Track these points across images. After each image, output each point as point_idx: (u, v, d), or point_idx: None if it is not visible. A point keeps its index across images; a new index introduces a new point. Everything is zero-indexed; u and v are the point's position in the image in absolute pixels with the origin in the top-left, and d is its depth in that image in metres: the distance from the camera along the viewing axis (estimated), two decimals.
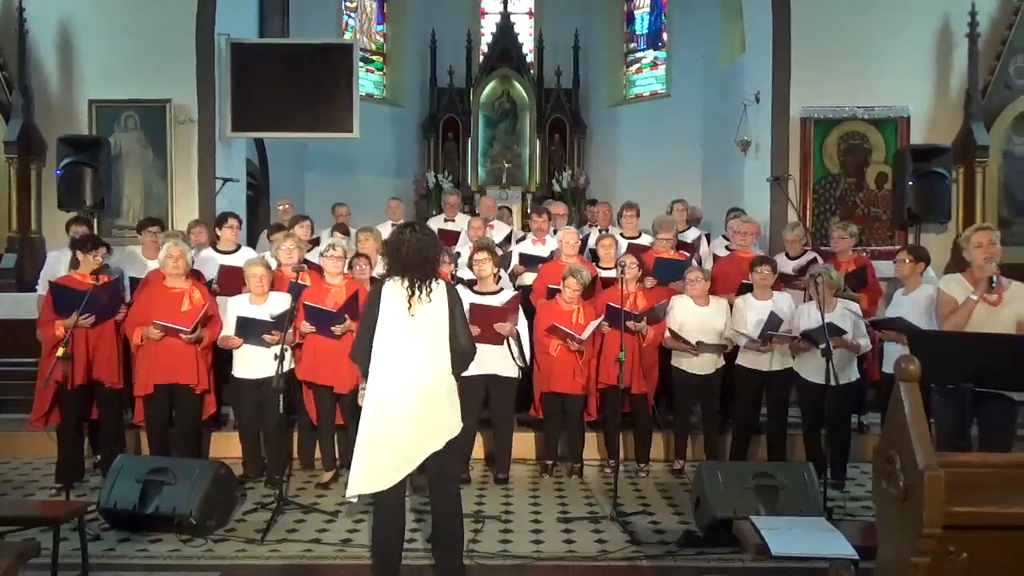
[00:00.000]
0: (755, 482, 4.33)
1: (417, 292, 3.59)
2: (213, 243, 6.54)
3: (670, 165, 12.02)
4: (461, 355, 3.67)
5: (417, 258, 3.61)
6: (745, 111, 8.56)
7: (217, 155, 7.93)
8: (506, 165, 12.84)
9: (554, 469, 5.78)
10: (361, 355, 3.64)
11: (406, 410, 3.53)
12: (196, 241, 6.51)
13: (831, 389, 4.73)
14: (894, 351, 5.23)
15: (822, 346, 4.76)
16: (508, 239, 7.57)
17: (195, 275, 5.72)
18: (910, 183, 7.22)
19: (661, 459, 6.03)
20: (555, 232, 7.04)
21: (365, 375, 3.62)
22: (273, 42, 9.04)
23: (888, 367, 5.36)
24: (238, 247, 6.48)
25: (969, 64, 7.63)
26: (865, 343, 5.33)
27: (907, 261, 5.40)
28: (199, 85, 7.82)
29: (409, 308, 3.58)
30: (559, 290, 5.64)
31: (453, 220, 7.93)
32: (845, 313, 5.30)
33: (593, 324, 5.41)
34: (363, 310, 3.71)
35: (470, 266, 5.69)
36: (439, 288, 3.66)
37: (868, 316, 5.54)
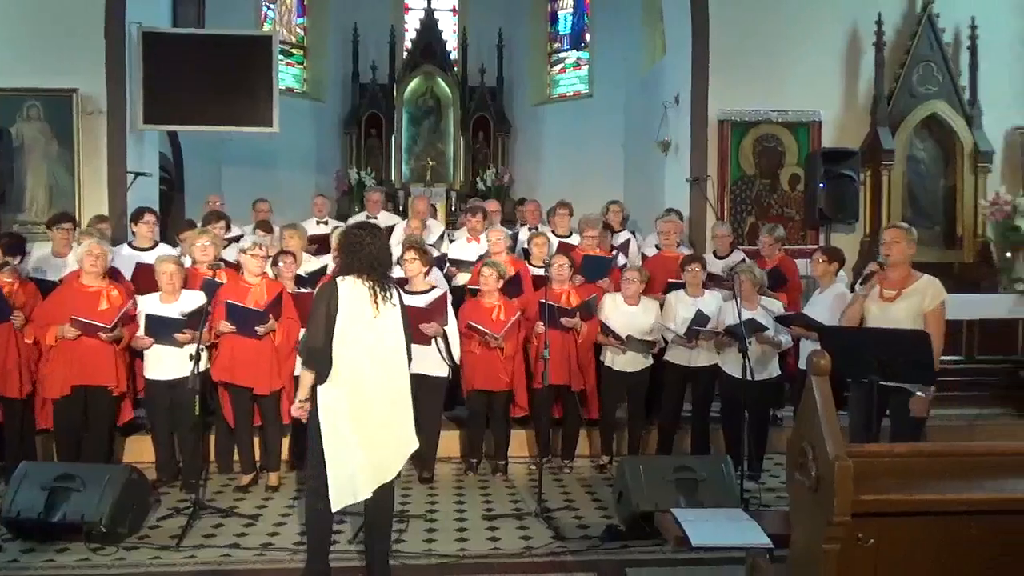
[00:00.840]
0: (675, 475, 4.44)
1: (381, 293, 3.60)
2: (122, 239, 6.30)
3: (593, 164, 12.18)
4: (410, 355, 3.75)
5: (381, 259, 3.64)
6: (665, 113, 8.75)
7: (128, 148, 7.63)
8: (430, 162, 12.78)
9: (479, 467, 5.80)
10: (321, 358, 3.54)
11: (383, 414, 3.55)
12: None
13: (749, 384, 4.89)
14: (809, 346, 5.46)
15: (741, 342, 4.91)
16: (442, 238, 7.54)
17: (112, 273, 5.50)
18: (821, 185, 7.50)
19: (587, 455, 6.12)
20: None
21: (324, 378, 3.55)
22: (188, 32, 8.75)
23: (804, 362, 5.57)
24: (155, 243, 6.26)
25: (876, 72, 7.98)
26: (786, 339, 5.53)
27: (821, 261, 5.64)
28: (108, 75, 7.51)
29: (368, 308, 3.57)
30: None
31: (375, 217, 7.85)
32: (766, 311, 5.49)
33: (511, 320, 5.43)
34: (314, 310, 3.62)
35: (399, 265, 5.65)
36: (393, 289, 3.70)
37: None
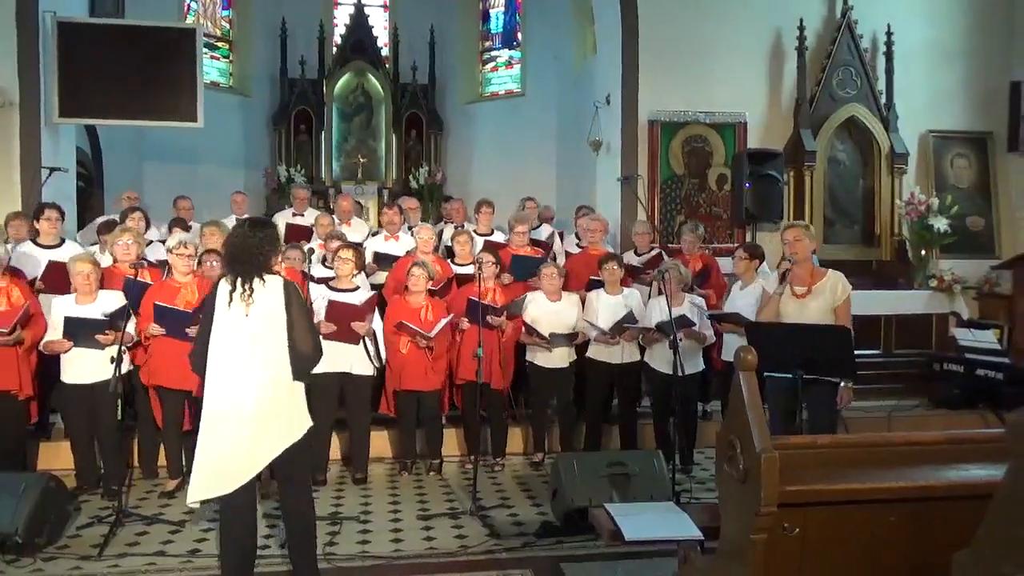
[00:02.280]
0: (608, 471, 4.50)
1: (241, 289, 3.43)
2: (35, 237, 6.04)
3: (526, 163, 12.23)
4: (301, 359, 3.49)
5: (241, 255, 3.47)
6: (597, 112, 8.85)
7: (43, 142, 7.32)
8: (361, 160, 12.63)
9: (413, 467, 5.77)
10: (199, 360, 3.48)
11: (243, 414, 3.38)
12: (15, 236, 5.98)
13: (678, 379, 4.99)
14: (733, 341, 5.60)
15: (671, 337, 5.01)
16: (367, 238, 7.46)
17: (13, 272, 5.26)
18: (747, 185, 7.69)
19: (520, 452, 6.15)
20: (409, 229, 7.00)
21: (203, 379, 3.47)
22: (106, 23, 8.43)
23: (728, 356, 5.72)
24: (62, 241, 6.01)
25: (798, 75, 8.24)
26: (710, 334, 5.67)
27: (743, 258, 5.82)
28: (20, 66, 7.19)
29: (233, 306, 3.43)
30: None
31: (302, 215, 7.72)
32: (692, 307, 5.61)
33: (443, 321, 5.43)
34: (203, 312, 3.55)
35: (324, 263, 5.57)
36: (271, 285, 3.49)
37: (712, 310, 5.89)
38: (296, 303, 3.52)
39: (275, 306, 3.47)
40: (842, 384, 4.43)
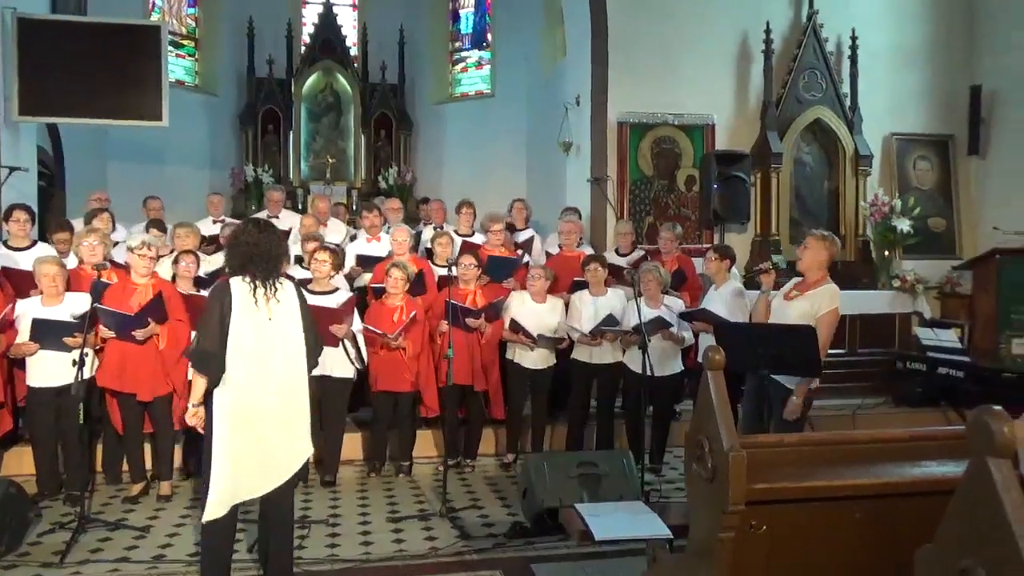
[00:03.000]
0: (579, 471, 4.51)
1: (265, 291, 3.47)
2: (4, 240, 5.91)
3: (496, 164, 12.23)
4: (312, 356, 3.62)
5: (261, 255, 3.48)
6: (567, 113, 8.87)
7: (2, 141, 7.16)
8: (330, 160, 12.53)
9: (382, 469, 5.74)
10: (213, 362, 3.40)
11: (277, 417, 3.44)
12: None
13: (652, 379, 5.02)
14: (708, 342, 5.64)
15: (641, 338, 5.04)
16: (344, 239, 7.41)
17: None
18: (715, 186, 7.75)
19: (492, 454, 6.15)
20: (388, 230, 6.97)
21: (216, 383, 3.41)
22: (68, 19, 8.28)
23: (702, 357, 5.75)
24: (33, 243, 5.89)
25: (764, 78, 8.32)
26: (688, 336, 5.71)
27: (714, 259, 5.86)
28: None
29: (258, 308, 3.45)
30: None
31: (277, 217, 7.65)
32: (670, 308, 5.64)
33: (406, 322, 5.41)
34: (208, 311, 3.48)
35: (301, 264, 5.54)
36: (287, 287, 3.57)
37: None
38: (305, 304, 3.64)
39: (293, 308, 3.56)
40: (793, 396, 4.41)
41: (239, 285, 3.48)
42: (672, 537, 3.19)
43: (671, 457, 5.98)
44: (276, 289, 3.51)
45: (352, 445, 5.97)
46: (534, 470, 4.51)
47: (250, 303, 3.45)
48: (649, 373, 5.02)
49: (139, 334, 4.83)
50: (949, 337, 6.85)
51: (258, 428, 3.42)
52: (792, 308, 4.57)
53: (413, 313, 5.48)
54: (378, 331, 5.33)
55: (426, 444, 6.08)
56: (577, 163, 8.75)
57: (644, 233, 8.10)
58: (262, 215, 7.86)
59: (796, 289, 4.65)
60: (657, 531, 3.23)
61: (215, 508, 3.38)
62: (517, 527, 4.54)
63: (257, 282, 3.48)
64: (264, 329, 3.46)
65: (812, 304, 4.52)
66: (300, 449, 3.55)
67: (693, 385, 6.10)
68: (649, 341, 5.15)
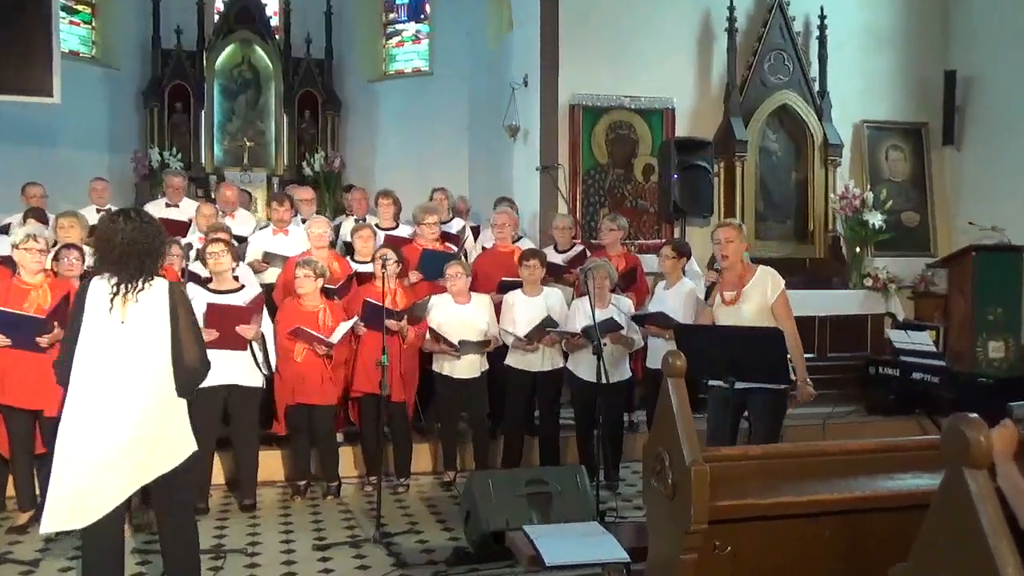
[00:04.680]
0: (527, 490, 4.53)
1: (123, 292, 3.30)
2: None
3: (434, 149, 12.16)
4: (187, 373, 3.40)
5: (132, 251, 3.33)
6: (513, 95, 8.89)
7: None
8: (247, 143, 12.31)
9: (307, 490, 5.67)
10: (63, 370, 3.32)
11: (114, 436, 3.25)
12: None
13: (603, 387, 5.06)
14: (659, 346, 5.72)
15: (594, 343, 5.07)
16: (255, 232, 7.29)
17: None
18: (675, 176, 7.85)
19: (429, 471, 6.12)
20: (303, 222, 6.88)
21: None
22: None
23: (653, 362, 5.83)
24: None
25: (728, 59, 8.46)
26: (638, 339, 5.78)
27: (669, 256, 5.93)
28: None
29: (113, 311, 3.30)
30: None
31: (178, 206, 7.49)
32: (618, 309, 5.69)
33: (345, 326, 5.37)
34: (70, 316, 3.40)
35: (201, 260, 5.43)
36: (156, 288, 3.39)
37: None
38: (183, 308, 3.43)
39: (158, 312, 3.36)
40: (793, 391, 4.59)
41: (98, 286, 3.35)
42: (630, 561, 3.23)
43: (627, 473, 6.05)
44: (141, 289, 3.33)
45: (273, 464, 5.89)
46: (478, 489, 4.51)
47: (103, 306, 3.31)
48: (605, 381, 5.06)
49: (44, 340, 4.66)
50: (923, 340, 7.04)
51: (94, 445, 3.24)
52: (744, 310, 4.65)
53: (354, 319, 5.44)
54: (317, 334, 5.26)
55: (351, 462, 6.04)
56: (525, 149, 8.78)
57: (598, 226, 8.17)
58: (160, 203, 7.69)
59: (728, 290, 4.73)
60: (614, 555, 3.26)
61: (47, 524, 3.26)
62: (459, 553, 4.54)
63: (121, 283, 3.33)
64: (113, 334, 3.29)
65: (760, 297, 4.64)
66: (142, 474, 3.33)
67: (647, 394, 6.18)
68: (605, 344, 5.19)
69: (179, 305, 3.43)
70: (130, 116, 12.41)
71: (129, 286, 3.33)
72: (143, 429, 3.30)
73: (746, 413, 4.68)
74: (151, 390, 3.33)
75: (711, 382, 4.71)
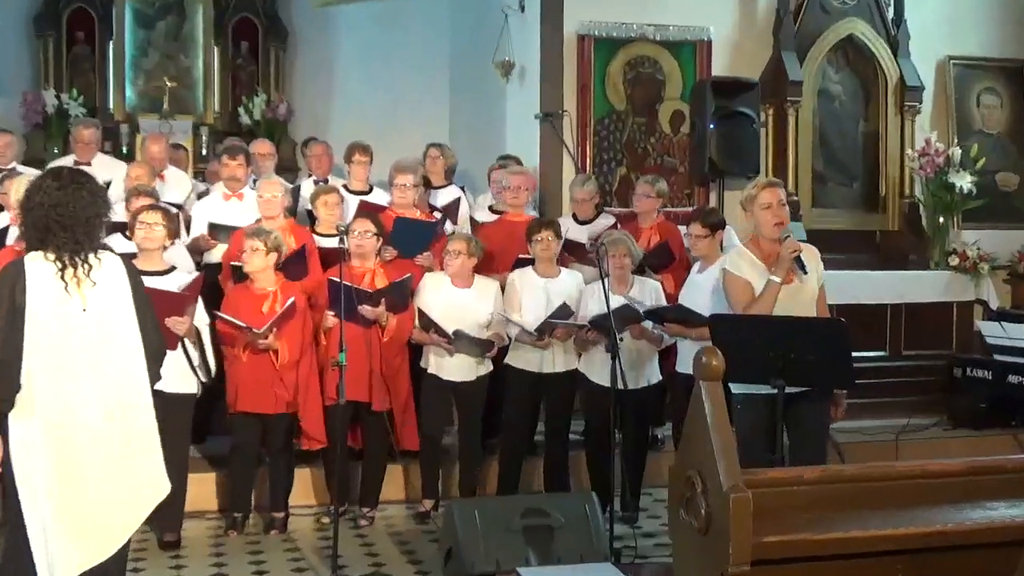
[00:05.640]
0: (524, 522, 4.54)
1: (75, 270, 3.38)
2: None
3: (407, 92, 12.11)
4: (153, 357, 3.57)
5: (70, 220, 3.39)
6: (507, 23, 8.83)
7: None
8: (168, 84, 12.23)
9: (246, 523, 5.70)
10: (5, 374, 3.32)
11: (111, 449, 3.38)
12: None
13: (622, 395, 5.06)
14: (688, 346, 5.70)
15: (609, 338, 5.07)
16: (190, 197, 7.26)
17: None
18: (711, 126, 7.80)
19: (402, 499, 6.15)
20: (255, 183, 6.86)
21: (10, 405, 3.32)
22: None
23: (684, 365, 5.79)
24: None
25: None
26: (668, 334, 5.76)
27: (702, 235, 5.83)
28: None
29: (69, 296, 3.36)
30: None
31: (89, 164, 7.45)
32: (644, 295, 5.68)
33: (280, 310, 5.37)
34: None
35: (129, 230, 5.40)
36: (109, 264, 3.48)
37: (673, 300, 5.96)
38: (141, 287, 3.57)
39: (121, 292, 3.48)
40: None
41: (38, 265, 3.39)
42: None
43: (650, 501, 6.06)
44: (91, 267, 3.42)
45: (204, 490, 5.90)
46: (461, 522, 4.52)
47: (55, 289, 3.37)
48: (621, 386, 5.06)
49: None
50: (1023, 334, 7.04)
51: (86, 467, 3.34)
52: (806, 292, 4.65)
53: (291, 300, 5.43)
54: (240, 323, 5.26)
55: (307, 487, 6.05)
56: (521, 93, 8.75)
57: (614, 191, 8.15)
58: (67, 161, 7.66)
59: (801, 268, 4.71)
60: None
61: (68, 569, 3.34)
62: None
63: (64, 259, 3.39)
64: (78, 324, 3.38)
65: (814, 278, 4.67)
66: (151, 490, 3.50)
67: (676, 402, 6.17)
68: (621, 340, 5.19)
69: (138, 283, 3.57)
70: (18, 50, 12.33)
71: (79, 262, 3.39)
72: (140, 439, 3.46)
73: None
74: (140, 388, 3.48)
75: (735, 387, 4.65)
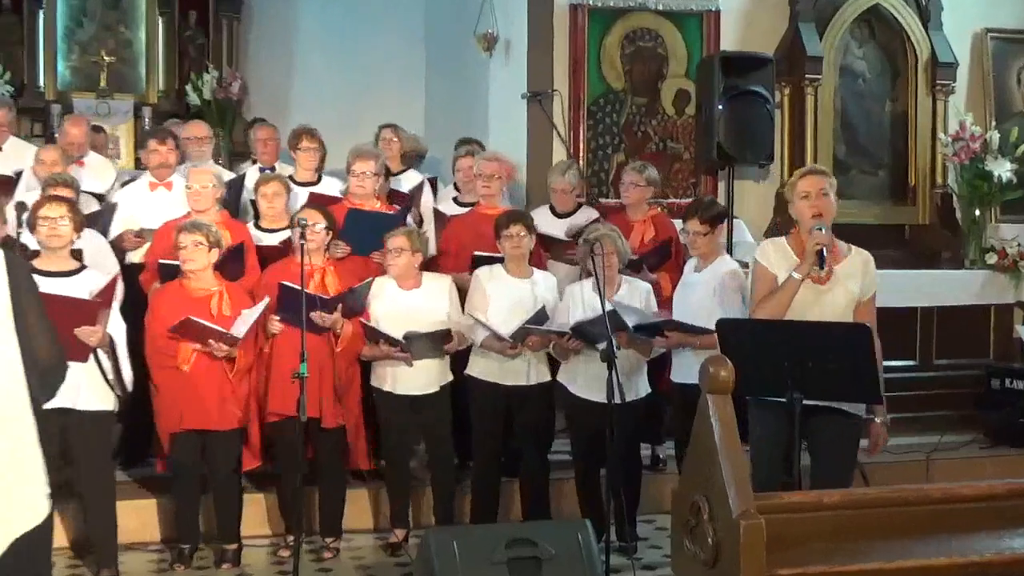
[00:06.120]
0: (509, 553, 4.52)
1: None
2: None
3: (377, 70, 12.09)
4: (45, 372, 3.45)
5: None
6: None
7: None
8: (106, 59, 12.19)
9: (194, 556, 5.67)
10: None
11: None
12: None
13: (616, 410, 5.05)
14: (689, 355, 5.68)
15: (602, 346, 5.06)
16: (115, 187, 7.22)
17: None
18: (719, 108, 7.79)
19: (370, 529, 6.14)
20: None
21: None
22: None
23: (682, 375, 5.77)
24: None
25: None
26: (667, 346, 5.76)
27: (701, 232, 5.78)
28: None
29: None
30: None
31: (0, 149, 7.41)
32: (633, 296, 5.67)
33: (251, 313, 5.36)
34: None
35: (30, 226, 5.36)
36: None
37: (668, 302, 5.95)
38: (26, 286, 3.46)
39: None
40: (875, 419, 4.58)
41: None
42: None
43: (651, 529, 6.06)
44: None
45: (143, 519, 5.90)
46: (438, 553, 4.50)
47: None
48: (619, 400, 5.05)
49: None
50: None
51: None
52: (831, 297, 4.64)
53: (266, 301, 5.42)
54: (214, 326, 5.25)
55: (260, 515, 6.04)
56: (505, 69, 8.74)
57: (610, 180, 8.14)
58: None
59: (818, 268, 4.65)
60: None
61: None
62: None
63: None
64: None
65: (856, 285, 4.65)
66: (14, 523, 3.33)
67: (676, 419, 6.16)
68: (618, 348, 5.18)
69: (22, 281, 3.44)
70: None
71: None
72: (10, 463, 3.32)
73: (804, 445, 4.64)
74: (11, 404, 3.34)
75: (752, 401, 4.65)
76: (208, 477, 5.65)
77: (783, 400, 4.30)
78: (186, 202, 6.27)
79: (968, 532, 2.72)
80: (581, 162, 8.02)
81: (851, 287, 4.71)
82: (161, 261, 5.90)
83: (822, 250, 4.58)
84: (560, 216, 6.85)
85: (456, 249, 6.31)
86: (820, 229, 4.62)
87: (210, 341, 5.31)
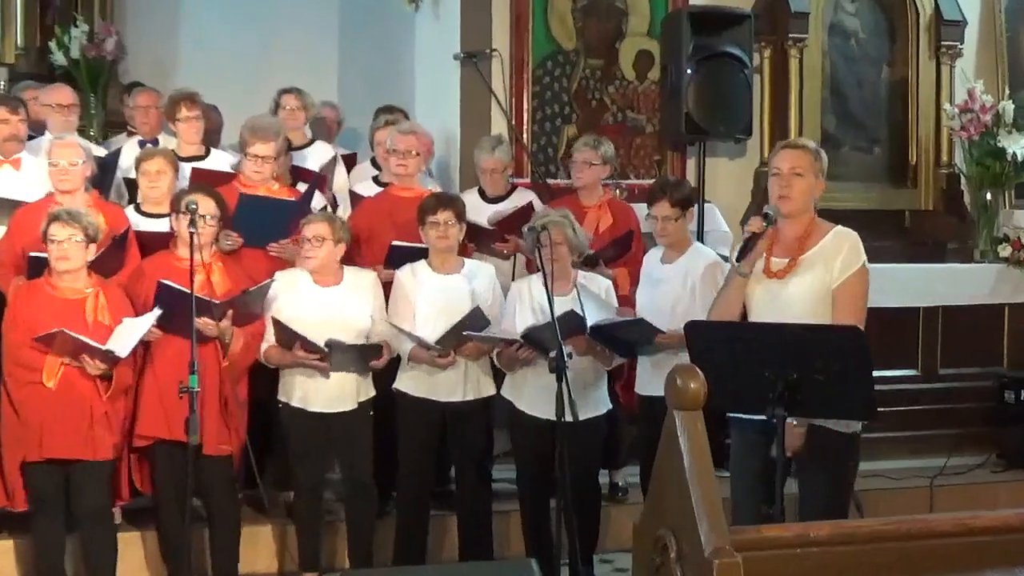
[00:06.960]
0: None
1: None
2: None
3: (283, 25, 12.05)
4: None
5: None
6: None
7: None
8: None
9: None
10: None
11: None
12: None
13: (568, 429, 5.08)
14: (660, 361, 5.71)
15: (552, 354, 5.08)
16: None
17: None
18: (688, 72, 7.84)
19: (274, 573, 6.12)
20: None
21: None
22: None
23: (650, 386, 5.80)
24: None
25: None
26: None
27: (671, 216, 5.83)
28: None
29: None
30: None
31: None
32: (589, 295, 5.69)
33: (137, 324, 5.32)
34: None
35: None
36: None
37: (626, 301, 5.99)
38: None
39: None
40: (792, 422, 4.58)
41: None
42: None
43: (607, 570, 6.10)
44: None
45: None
46: None
47: None
48: (571, 418, 5.07)
49: None
50: None
51: None
52: (792, 291, 4.62)
53: (156, 312, 5.37)
54: (92, 342, 5.19)
55: (137, 558, 6.02)
56: (435, 26, 8.74)
57: (559, 156, 8.15)
58: None
59: (779, 255, 4.66)
60: None
61: None
62: None
63: None
64: None
65: (826, 271, 4.59)
66: None
67: (640, 439, 6.20)
68: (570, 357, 5.20)
69: None
70: None
71: None
72: None
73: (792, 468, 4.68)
74: None
75: (733, 416, 4.69)
76: (74, 515, 5.59)
77: (763, 418, 4.34)
78: (36, 183, 6.19)
79: (978, 570, 2.77)
80: (524, 135, 8.04)
81: (818, 274, 4.61)
82: (32, 254, 5.79)
83: (752, 237, 4.60)
84: (491, 201, 6.92)
85: (366, 236, 6.27)
86: (767, 214, 4.60)
87: (84, 356, 5.27)
